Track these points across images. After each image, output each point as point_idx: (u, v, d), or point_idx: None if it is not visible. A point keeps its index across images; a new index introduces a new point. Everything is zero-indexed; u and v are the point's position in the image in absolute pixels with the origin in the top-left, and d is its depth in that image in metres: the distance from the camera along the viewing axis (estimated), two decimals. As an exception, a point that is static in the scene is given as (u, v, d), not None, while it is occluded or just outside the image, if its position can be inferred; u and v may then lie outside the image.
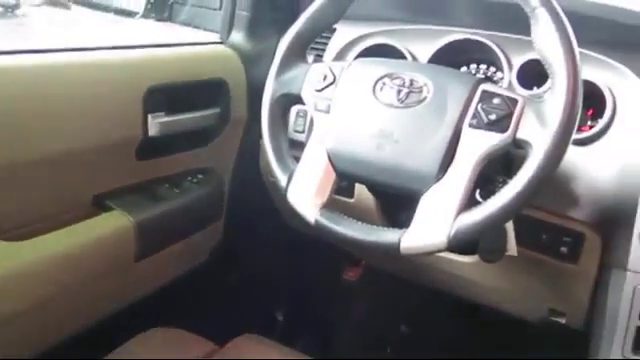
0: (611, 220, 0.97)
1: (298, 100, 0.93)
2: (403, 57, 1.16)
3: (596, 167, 0.97)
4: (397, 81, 0.85)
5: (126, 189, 1.16)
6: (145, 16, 1.50)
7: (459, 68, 1.16)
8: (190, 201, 1.25)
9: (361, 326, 1.77)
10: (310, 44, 0.97)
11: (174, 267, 1.30)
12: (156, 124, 1.13)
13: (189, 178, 1.27)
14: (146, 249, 1.16)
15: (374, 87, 0.86)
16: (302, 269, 1.71)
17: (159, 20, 1.50)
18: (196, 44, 1.32)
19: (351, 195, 1.21)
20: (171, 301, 1.29)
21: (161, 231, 1.19)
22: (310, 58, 1.07)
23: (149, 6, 1.50)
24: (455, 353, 1.64)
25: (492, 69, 1.14)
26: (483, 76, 1.15)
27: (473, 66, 1.16)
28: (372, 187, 1.08)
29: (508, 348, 1.59)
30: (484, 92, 0.80)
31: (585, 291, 1.07)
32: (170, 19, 1.51)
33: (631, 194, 0.93)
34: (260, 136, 0.95)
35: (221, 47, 1.35)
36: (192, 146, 1.27)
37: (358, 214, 0.89)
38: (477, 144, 0.79)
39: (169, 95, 1.17)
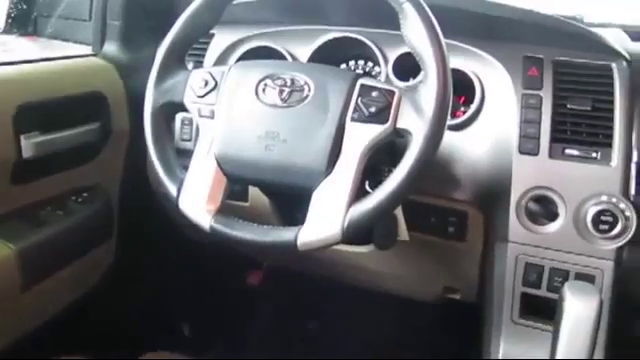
0: (490, 197, 1.04)
1: (181, 108, 0.91)
2: (283, 58, 1.17)
3: (472, 150, 1.04)
4: (278, 82, 0.86)
5: (4, 216, 1.08)
6: (7, 31, 1.40)
7: (339, 65, 1.20)
8: (76, 222, 1.19)
9: (269, 328, 1.78)
10: (188, 50, 0.95)
11: (66, 293, 1.24)
12: (30, 145, 1.07)
13: (73, 198, 1.22)
14: (32, 278, 1.09)
15: (256, 89, 0.87)
16: (204, 280, 1.68)
17: (23, 35, 1.41)
18: (67, 58, 1.26)
19: (245, 199, 1.21)
20: (67, 330, 1.23)
21: (47, 257, 1.13)
22: (190, 65, 1.06)
23: (10, 20, 1.40)
24: (363, 342, 1.68)
25: (370, 64, 1.18)
26: (362, 71, 1.19)
27: (352, 63, 1.20)
28: (265, 188, 1.09)
29: (412, 330, 1.66)
30: (363, 86, 0.83)
31: (474, 266, 1.15)
32: (35, 33, 1.42)
33: (504, 172, 1.00)
34: (146, 148, 0.92)
35: (94, 59, 1.29)
36: (74, 164, 1.21)
37: (254, 217, 0.89)
38: (361, 137, 0.81)
39: (43, 113, 1.10)
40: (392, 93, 0.82)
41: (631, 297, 0.97)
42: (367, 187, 0.93)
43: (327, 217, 0.80)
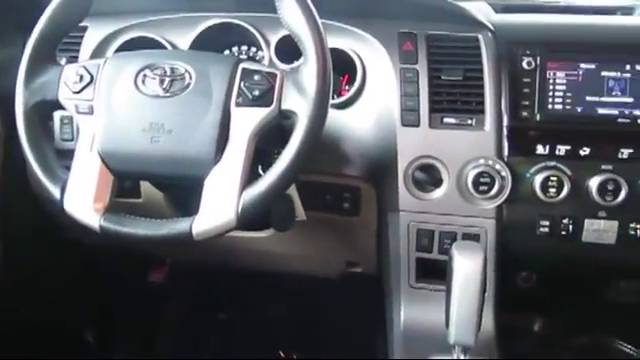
0: (379, 170, 1.08)
1: (57, 106, 0.87)
2: (163, 48, 1.14)
3: (358, 126, 1.07)
4: (158, 71, 0.84)
5: None
6: None
7: (222, 52, 1.19)
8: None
9: (178, 325, 1.75)
10: (58, 45, 0.91)
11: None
12: None
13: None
14: None
15: (135, 81, 0.84)
16: (103, 283, 1.62)
17: None
18: None
19: (138, 195, 1.17)
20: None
21: None
22: (63, 60, 1.01)
23: None
24: (276, 325, 1.70)
25: (253, 49, 1.19)
26: (246, 57, 1.19)
27: (235, 49, 1.20)
28: (155, 182, 1.06)
29: (321, 307, 1.70)
30: (244, 70, 0.84)
31: (371, 238, 1.19)
32: None
33: (390, 145, 1.04)
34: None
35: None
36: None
37: (150, 213, 0.87)
38: (247, 121, 0.82)
39: None
40: (274, 76, 0.83)
41: (512, 251, 1.05)
42: (260, 171, 0.94)
43: (220, 204, 0.80)
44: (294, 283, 1.53)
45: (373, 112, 1.07)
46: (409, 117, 1.03)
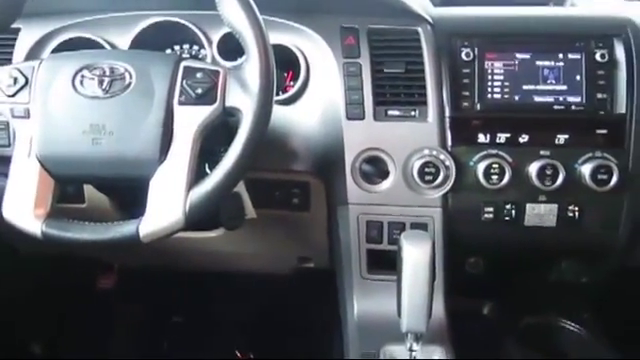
0: (327, 165, 1.09)
1: None
2: (102, 48, 1.12)
3: (305, 122, 1.08)
4: (96, 71, 0.83)
5: None
6: None
7: (164, 51, 1.17)
8: None
9: (131, 331, 1.71)
10: None
11: None
12: None
13: None
14: None
15: (73, 82, 0.82)
16: (49, 292, 1.57)
17: None
18: None
19: (82, 200, 1.14)
20: None
21: None
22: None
23: None
24: (230, 325, 1.69)
25: (195, 47, 1.17)
26: (188, 55, 1.17)
27: (177, 47, 1.18)
28: (99, 185, 1.04)
29: (276, 304, 1.69)
30: (186, 68, 0.83)
31: (322, 232, 1.20)
32: None
33: (336, 139, 1.05)
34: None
35: None
36: None
37: (95, 218, 0.85)
38: (191, 120, 0.81)
39: None
40: (217, 73, 0.82)
41: (459, 238, 1.07)
42: (207, 169, 0.93)
43: (167, 204, 0.79)
44: (247, 282, 1.52)
45: (318, 107, 1.07)
46: (354, 110, 1.04)
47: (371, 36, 1.06)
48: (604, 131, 1.03)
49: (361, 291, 1.10)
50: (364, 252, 1.09)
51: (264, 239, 1.23)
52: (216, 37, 1.11)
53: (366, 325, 1.07)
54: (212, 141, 0.87)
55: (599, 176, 1.01)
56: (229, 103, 0.82)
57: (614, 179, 1.01)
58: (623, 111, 1.03)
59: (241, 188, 1.04)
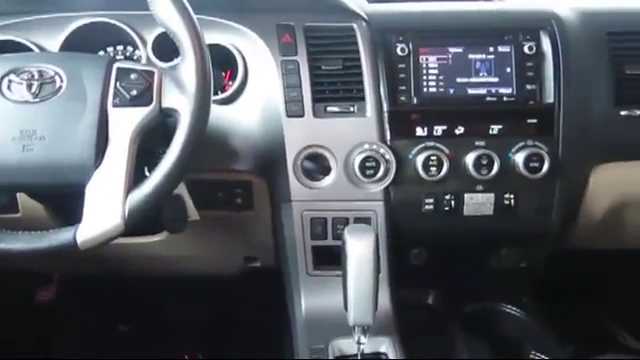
0: (269, 163, 1.08)
1: None
2: (30, 51, 1.08)
3: (244, 121, 1.07)
4: (24, 75, 0.80)
5: None
6: None
7: (97, 53, 1.14)
8: None
9: (76, 342, 1.66)
10: None
11: None
12: None
13: None
14: None
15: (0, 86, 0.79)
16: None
17: None
18: None
19: (16, 210, 1.10)
20: None
21: None
22: None
23: None
24: (177, 331, 1.67)
25: (130, 48, 1.15)
26: (122, 57, 1.15)
27: (110, 49, 1.15)
28: (33, 193, 1.01)
29: (225, 306, 1.68)
30: (119, 70, 0.81)
31: (267, 231, 1.19)
32: None
33: (277, 137, 1.05)
34: None
35: None
36: None
37: (32, 227, 0.82)
38: (126, 122, 0.80)
39: None
40: (152, 74, 0.81)
41: (402, 230, 1.09)
42: (146, 172, 0.92)
43: (105, 209, 0.78)
44: (194, 285, 1.50)
45: (258, 105, 1.07)
46: (293, 108, 1.04)
47: (307, 33, 1.07)
48: (534, 120, 1.07)
49: (308, 288, 1.10)
50: (309, 249, 1.09)
51: (208, 240, 1.22)
52: (150, 37, 1.09)
53: (314, 321, 1.08)
54: (150, 143, 0.86)
55: (531, 164, 1.05)
56: (166, 104, 0.81)
57: (545, 166, 1.05)
58: (551, 101, 1.07)
59: (182, 190, 1.02)
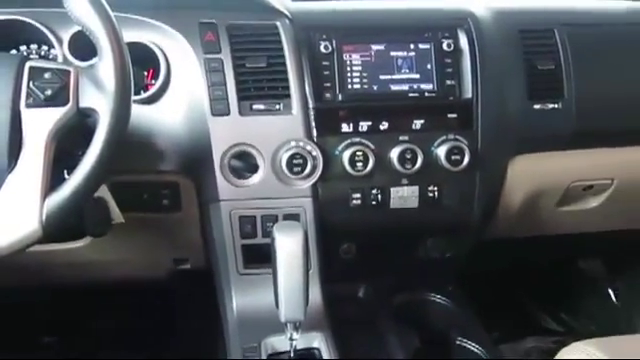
0: (195, 163, 1.07)
1: None
2: None
3: (169, 121, 1.05)
4: None
5: None
6: None
7: (10, 52, 1.09)
8: None
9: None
10: None
11: None
12: None
13: None
14: None
15: None
16: None
17: None
18: None
19: None
20: None
21: None
22: None
23: None
24: (106, 338, 1.62)
25: (45, 47, 1.10)
26: (37, 56, 1.10)
27: (24, 48, 1.11)
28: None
29: (153, 312, 1.64)
30: (32, 69, 0.78)
31: (196, 232, 1.18)
32: None
33: (203, 136, 1.04)
34: None
35: None
36: None
37: None
38: (41, 123, 0.77)
39: None
40: (67, 73, 0.79)
41: (331, 225, 1.10)
42: (65, 175, 0.88)
43: (21, 214, 0.75)
44: (122, 290, 1.46)
45: (182, 104, 1.06)
46: (218, 106, 1.03)
47: (231, 31, 1.06)
48: (454, 115, 1.11)
49: (239, 287, 1.10)
50: (239, 248, 1.09)
51: (135, 244, 1.19)
52: (66, 36, 1.05)
53: (246, 320, 1.07)
54: (69, 144, 0.83)
55: (453, 157, 1.09)
56: (83, 104, 0.78)
57: (466, 159, 1.09)
58: (470, 96, 1.12)
59: (105, 192, 0.99)
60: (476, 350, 1.20)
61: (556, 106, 1.15)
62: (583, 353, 0.82)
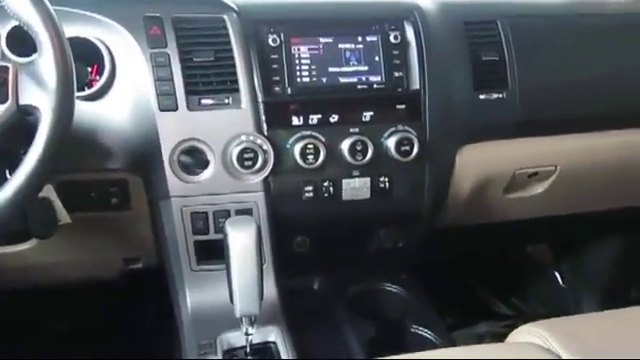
0: (144, 160, 1.05)
1: None
2: None
3: (115, 117, 1.03)
4: None
5: None
6: None
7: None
8: None
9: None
10: None
11: None
12: None
13: None
14: None
15: None
16: None
17: None
18: None
19: None
20: None
21: None
22: None
23: None
24: (60, 344, 1.57)
25: None
26: None
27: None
28: None
29: (106, 314, 1.61)
30: None
31: (147, 230, 1.16)
32: None
33: (150, 132, 1.02)
34: None
35: None
36: None
37: None
38: None
39: None
40: (6, 69, 0.76)
41: (284, 219, 1.10)
42: (7, 175, 0.86)
43: (-41, 217, 0.72)
44: (73, 293, 1.42)
45: (128, 100, 1.03)
46: (166, 102, 1.01)
47: (177, 25, 1.04)
48: (403, 106, 1.13)
49: (192, 284, 1.09)
50: (191, 244, 1.07)
51: (84, 244, 1.16)
52: (3, 31, 1.01)
53: (200, 317, 1.06)
54: (11, 143, 0.80)
55: (402, 148, 1.10)
56: (24, 101, 0.76)
57: (415, 149, 1.11)
58: (417, 87, 1.13)
59: (50, 192, 0.96)
60: (430, 337, 1.23)
61: (501, 96, 1.18)
62: (532, 335, 0.85)
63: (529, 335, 0.85)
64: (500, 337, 0.91)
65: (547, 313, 1.77)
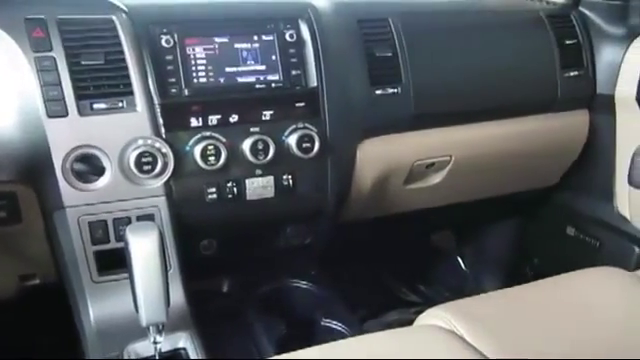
0: (34, 170, 1.00)
1: None
2: None
3: None
4: None
5: None
6: None
7: None
8: None
9: None
10: None
11: None
12: None
13: None
14: None
15: None
16: None
17: None
18: None
19: None
20: None
21: None
22: None
23: None
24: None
25: None
26: None
27: None
28: None
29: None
30: None
31: (42, 244, 1.10)
32: None
33: (39, 140, 0.97)
34: None
35: None
36: None
37: None
38: None
39: None
40: None
41: (188, 223, 1.09)
42: None
43: None
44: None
45: (13, 108, 0.98)
46: (54, 107, 0.97)
47: (62, 27, 1.00)
48: (302, 104, 1.14)
49: (95, 296, 1.04)
50: (91, 255, 1.03)
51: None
52: None
53: (105, 329, 1.02)
54: None
55: (304, 145, 1.12)
56: None
57: (316, 146, 1.13)
58: (315, 84, 1.15)
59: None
60: (340, 329, 1.25)
61: (396, 91, 1.22)
62: (436, 318, 0.89)
63: (433, 318, 0.89)
64: (409, 323, 0.94)
65: (452, 296, 1.85)
